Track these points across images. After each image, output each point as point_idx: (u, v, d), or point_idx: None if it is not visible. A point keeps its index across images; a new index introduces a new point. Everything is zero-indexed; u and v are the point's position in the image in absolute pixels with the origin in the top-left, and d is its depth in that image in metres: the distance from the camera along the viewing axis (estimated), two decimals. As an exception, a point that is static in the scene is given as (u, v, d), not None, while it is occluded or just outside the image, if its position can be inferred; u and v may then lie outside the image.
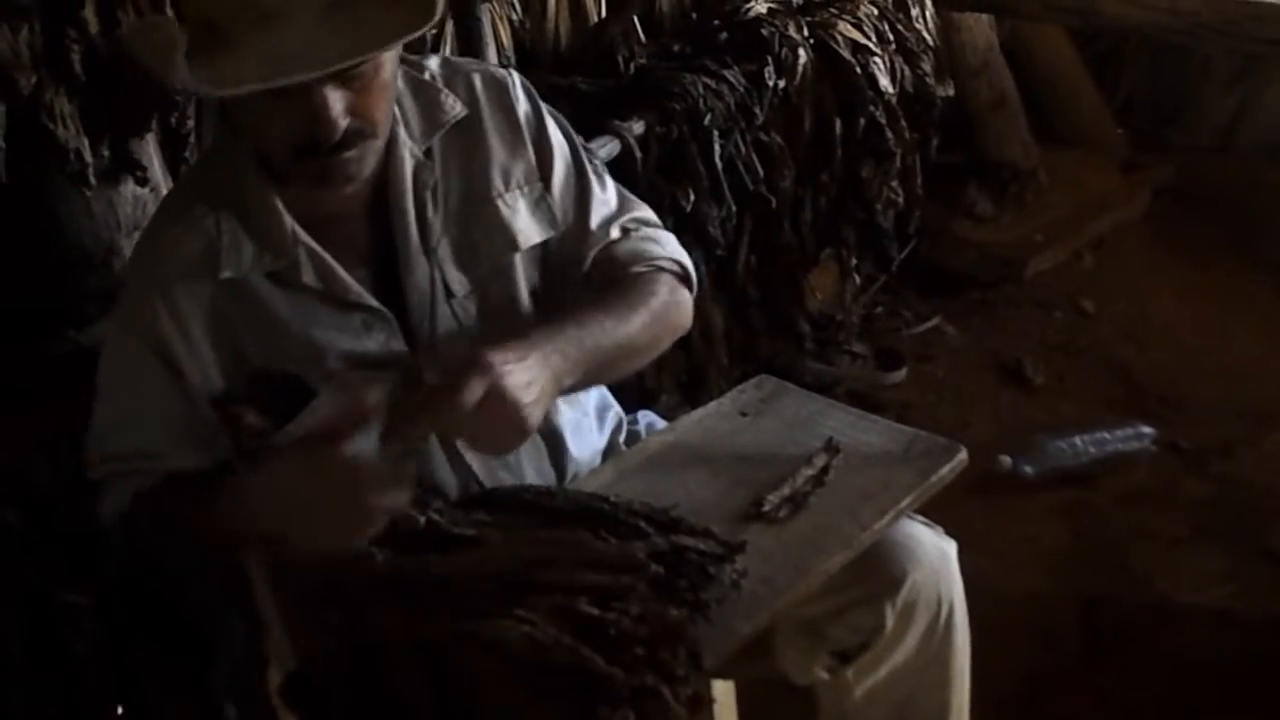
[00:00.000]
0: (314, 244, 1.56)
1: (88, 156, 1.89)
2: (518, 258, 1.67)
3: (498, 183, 1.65)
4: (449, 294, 1.63)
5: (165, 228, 1.58)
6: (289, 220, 1.54)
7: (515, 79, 1.71)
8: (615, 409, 1.89)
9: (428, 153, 1.62)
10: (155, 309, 1.53)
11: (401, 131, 1.58)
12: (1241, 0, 3.08)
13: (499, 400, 1.39)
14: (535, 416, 1.44)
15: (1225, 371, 3.46)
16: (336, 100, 1.41)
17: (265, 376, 1.58)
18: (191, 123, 2.07)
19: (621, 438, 1.87)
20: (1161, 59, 4.67)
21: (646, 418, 1.94)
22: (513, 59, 2.71)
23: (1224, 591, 2.65)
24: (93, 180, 1.92)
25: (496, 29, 2.68)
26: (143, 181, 1.98)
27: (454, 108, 1.63)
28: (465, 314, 1.64)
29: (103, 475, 1.60)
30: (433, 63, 1.68)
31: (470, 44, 2.52)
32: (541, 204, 1.68)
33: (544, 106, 1.72)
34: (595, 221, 1.71)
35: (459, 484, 1.67)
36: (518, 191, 1.67)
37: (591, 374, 1.58)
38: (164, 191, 2.03)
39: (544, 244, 1.69)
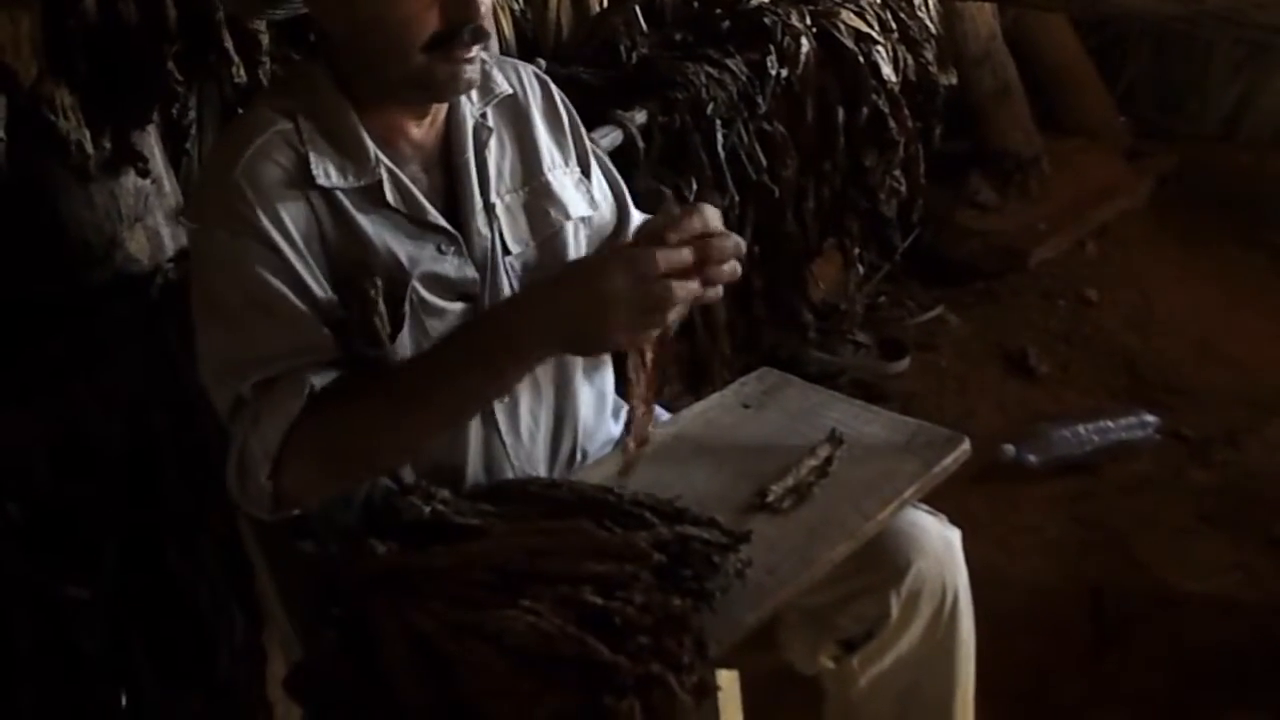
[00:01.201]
0: (393, 165, 1.58)
1: (89, 148, 1.88)
2: (568, 227, 1.72)
3: (547, 159, 1.74)
4: (505, 250, 1.66)
5: (248, 139, 1.54)
6: (369, 141, 1.57)
7: (553, 84, 1.82)
8: (625, 406, 1.90)
9: (483, 117, 1.69)
10: (256, 213, 1.49)
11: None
12: (1246, -12, 3.07)
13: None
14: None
15: (1230, 360, 3.45)
16: None
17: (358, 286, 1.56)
18: (193, 114, 2.07)
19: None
20: (1165, 47, 4.67)
21: (650, 410, 1.95)
22: (514, 49, 2.71)
23: (1230, 580, 2.64)
24: (94, 172, 1.92)
25: (498, 18, 2.68)
26: (144, 173, 1.97)
27: (503, 84, 1.73)
28: (514, 273, 1.67)
29: (252, 391, 1.47)
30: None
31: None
32: (581, 185, 1.78)
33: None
34: (634, 210, 1.85)
35: (482, 464, 1.67)
36: (561, 170, 1.75)
37: None
38: (166, 183, 2.04)
39: (589, 226, 1.76)
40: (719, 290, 1.46)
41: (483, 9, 1.51)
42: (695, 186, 2.62)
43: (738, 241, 1.45)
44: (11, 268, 1.93)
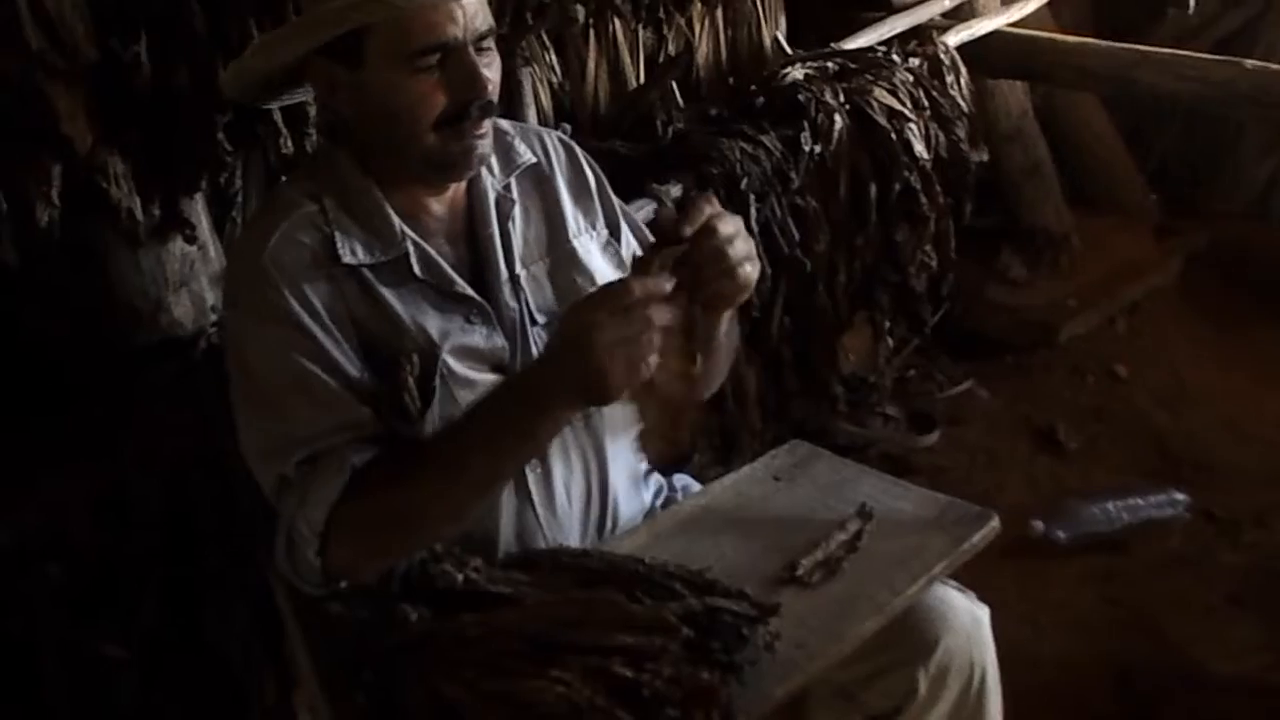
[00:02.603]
0: (419, 238, 1.62)
1: (139, 215, 1.93)
2: None
3: (572, 226, 1.76)
4: (532, 319, 1.69)
5: (274, 224, 1.58)
6: (394, 216, 1.61)
7: (578, 148, 1.85)
8: (656, 476, 1.91)
9: (506, 188, 1.72)
10: (285, 298, 1.53)
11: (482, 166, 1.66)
12: (1277, 69, 3.10)
13: (724, 226, 1.45)
14: (754, 272, 1.50)
15: (1259, 439, 3.43)
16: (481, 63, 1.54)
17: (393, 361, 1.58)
18: (239, 183, 2.11)
19: (659, 503, 1.89)
20: (1195, 125, 4.67)
21: (681, 481, 1.96)
22: (553, 122, 2.75)
23: (1259, 661, 2.62)
24: (143, 238, 1.96)
25: (537, 91, 2.72)
26: (191, 239, 2.01)
27: (526, 153, 1.76)
28: (542, 342, 1.68)
29: (296, 470, 1.51)
30: (504, 121, 1.78)
31: (511, 106, 2.56)
32: (610, 247, 1.80)
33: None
34: None
35: (514, 534, 1.68)
36: (588, 236, 1.78)
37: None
38: (211, 249, 2.08)
39: None
40: (738, 285, 1.47)
41: (489, 85, 1.55)
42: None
43: (739, 227, 1.47)
44: (60, 328, 1.97)
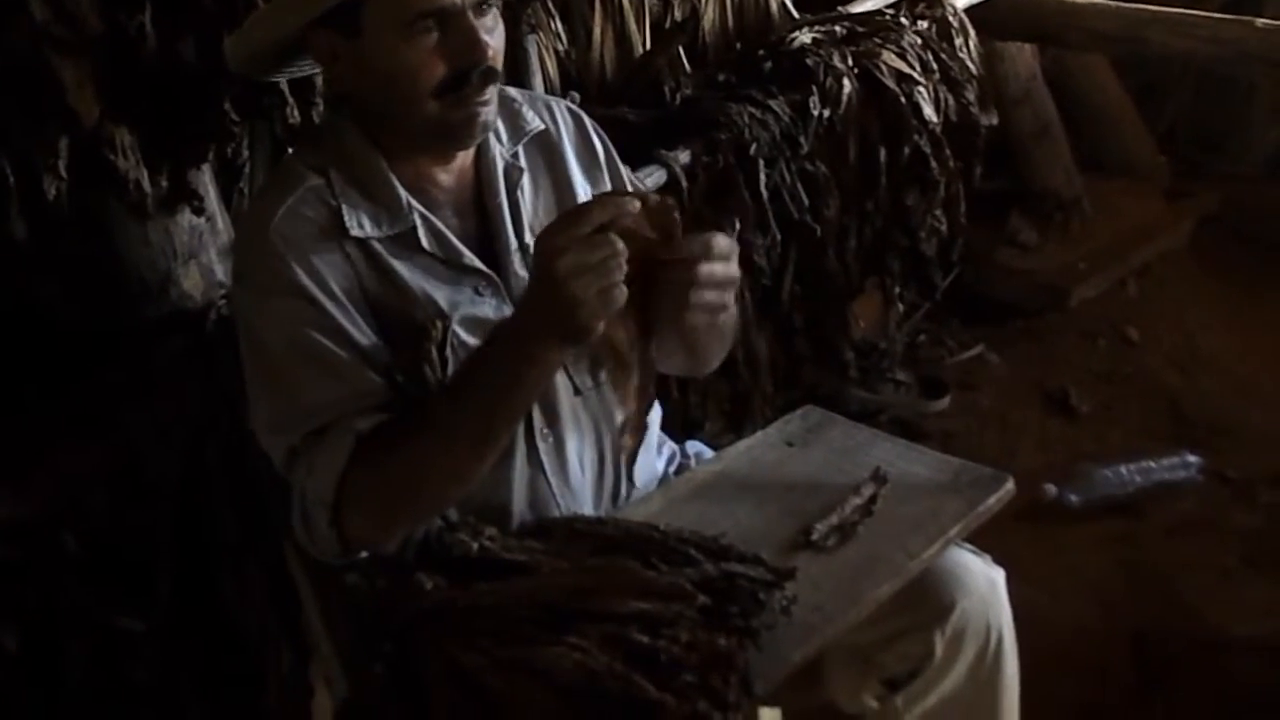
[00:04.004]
0: (426, 211, 1.61)
1: (147, 187, 1.92)
2: None
3: (581, 195, 1.74)
4: None
5: (281, 198, 1.58)
6: (401, 188, 1.60)
7: (587, 118, 1.83)
8: (669, 442, 1.91)
9: (514, 157, 1.71)
10: (292, 270, 1.53)
11: (490, 135, 1.66)
12: (1288, 29, 3.07)
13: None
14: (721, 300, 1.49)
15: (1273, 400, 3.42)
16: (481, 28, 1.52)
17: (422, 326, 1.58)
18: (246, 153, 2.10)
19: (673, 469, 1.89)
20: (1206, 87, 4.65)
21: (694, 447, 1.96)
22: (559, 89, 2.74)
23: (1275, 624, 2.61)
24: (151, 210, 1.96)
25: (543, 59, 2.70)
26: (199, 211, 2.01)
27: (534, 120, 1.75)
28: None
29: (304, 442, 1.52)
30: (511, 89, 1.77)
31: (517, 74, 2.54)
32: None
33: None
34: None
35: (527, 504, 1.68)
36: None
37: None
38: (219, 221, 2.07)
39: None
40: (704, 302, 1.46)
41: (490, 50, 1.54)
42: (738, 225, 2.63)
43: (732, 250, 1.47)
44: (70, 302, 1.97)
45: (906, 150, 2.96)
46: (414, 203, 1.61)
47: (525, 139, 1.74)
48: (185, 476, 1.94)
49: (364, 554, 1.56)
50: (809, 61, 2.83)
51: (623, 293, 1.34)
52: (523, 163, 1.72)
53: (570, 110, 1.84)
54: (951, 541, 1.64)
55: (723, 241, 1.45)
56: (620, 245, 1.32)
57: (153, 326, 1.99)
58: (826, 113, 2.80)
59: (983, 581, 1.70)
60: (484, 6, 1.54)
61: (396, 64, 1.52)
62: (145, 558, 1.92)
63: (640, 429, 1.64)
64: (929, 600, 1.66)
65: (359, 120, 1.63)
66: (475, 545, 1.54)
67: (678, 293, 1.44)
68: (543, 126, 1.76)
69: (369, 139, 1.62)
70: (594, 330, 1.35)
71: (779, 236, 2.75)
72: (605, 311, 1.34)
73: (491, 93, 1.57)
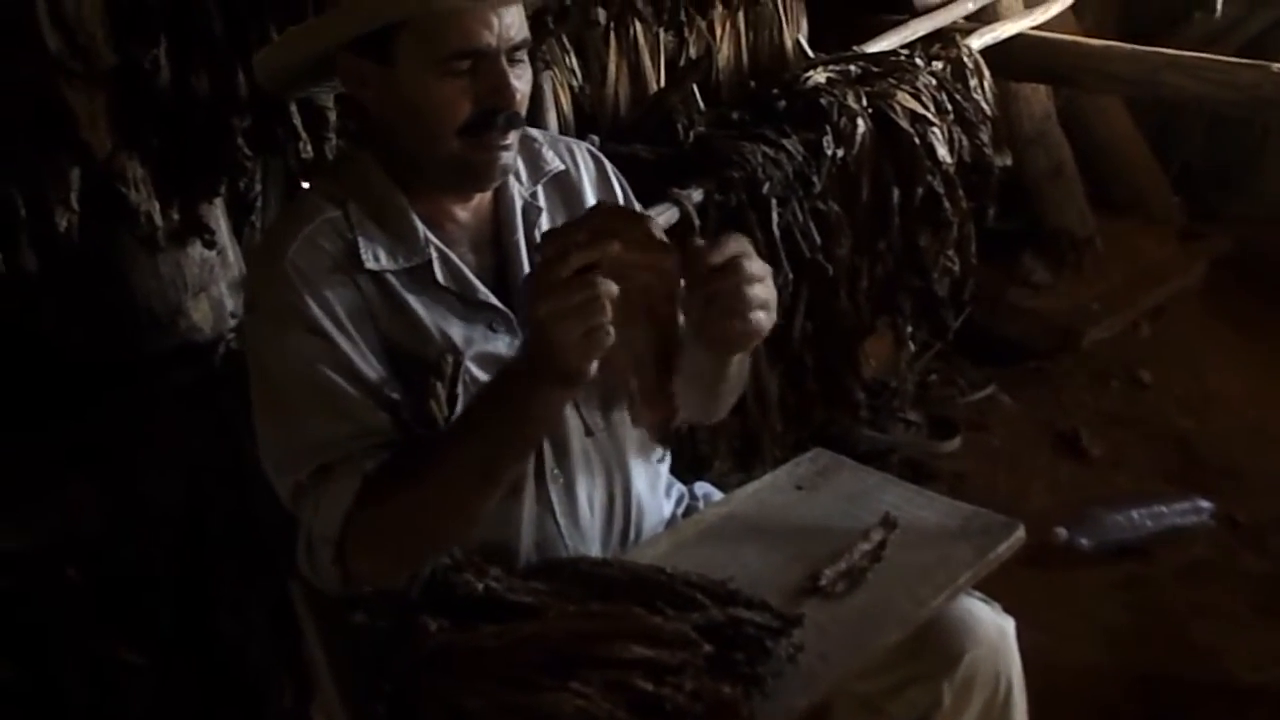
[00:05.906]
0: (443, 245, 1.61)
1: (158, 220, 1.93)
2: None
3: None
4: None
5: (296, 229, 1.58)
6: (419, 222, 1.60)
7: (608, 162, 1.84)
8: (677, 485, 1.90)
9: (533, 196, 1.71)
10: (305, 303, 1.52)
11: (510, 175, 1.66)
12: (1302, 73, 3.07)
13: (750, 266, 1.42)
14: (768, 321, 1.46)
15: (1284, 444, 3.41)
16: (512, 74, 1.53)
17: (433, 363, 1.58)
18: (259, 187, 2.11)
19: (680, 511, 1.88)
20: (1219, 128, 4.65)
21: (703, 489, 1.95)
22: (573, 125, 2.75)
23: (1285, 671, 2.59)
24: (162, 243, 1.96)
25: (558, 95, 2.71)
26: (210, 244, 2.01)
27: (554, 161, 1.75)
28: None
29: (311, 479, 1.51)
30: (532, 130, 1.77)
31: (532, 110, 2.54)
32: None
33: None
34: None
35: (534, 544, 1.67)
36: None
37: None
38: (230, 254, 2.07)
39: None
40: (750, 328, 1.43)
41: (518, 96, 1.54)
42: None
43: (766, 272, 1.44)
44: (79, 333, 1.97)
45: (920, 191, 2.95)
46: (431, 237, 1.60)
47: (545, 179, 1.74)
48: (189, 509, 1.93)
49: (368, 589, 1.54)
50: (823, 101, 2.83)
51: (608, 334, 1.31)
52: (541, 202, 1.72)
53: (591, 153, 1.84)
54: (961, 590, 1.62)
55: (756, 265, 1.43)
56: (603, 286, 1.30)
57: (161, 359, 2.00)
58: (840, 152, 2.80)
59: (992, 630, 1.68)
60: (517, 52, 1.54)
61: (425, 98, 1.52)
62: (146, 590, 1.91)
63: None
64: (938, 649, 1.64)
65: (380, 153, 1.63)
66: (480, 586, 1.53)
67: (699, 312, 1.42)
68: (563, 167, 1.76)
69: (389, 173, 1.62)
70: (584, 372, 1.34)
71: (790, 275, 2.74)
72: (593, 353, 1.32)
73: (514, 137, 1.57)
